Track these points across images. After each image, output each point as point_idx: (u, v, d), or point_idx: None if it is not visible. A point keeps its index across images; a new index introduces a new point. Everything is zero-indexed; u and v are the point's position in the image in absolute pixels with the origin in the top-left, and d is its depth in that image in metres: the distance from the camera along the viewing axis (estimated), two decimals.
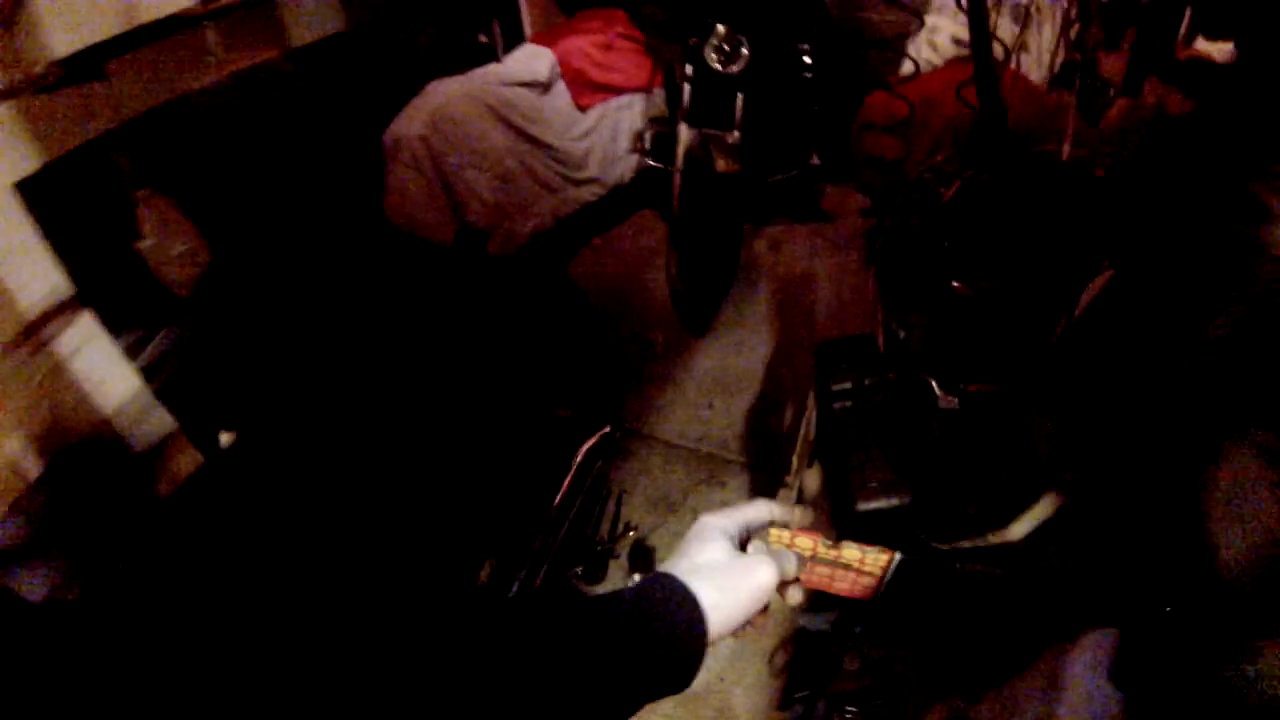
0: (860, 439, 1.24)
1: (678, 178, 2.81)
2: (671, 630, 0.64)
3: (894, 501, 1.13)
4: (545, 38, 3.57)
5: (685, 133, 2.84)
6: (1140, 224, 1.18)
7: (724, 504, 0.92)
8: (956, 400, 1.26)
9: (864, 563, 0.91)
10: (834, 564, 0.92)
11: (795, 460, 1.35)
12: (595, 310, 2.96)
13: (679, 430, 2.59)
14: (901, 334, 1.65)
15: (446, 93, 3.11)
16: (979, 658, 1.11)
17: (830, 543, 0.90)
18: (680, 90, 2.95)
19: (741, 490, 2.30)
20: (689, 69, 2.93)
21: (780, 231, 3.35)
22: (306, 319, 2.73)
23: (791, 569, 0.83)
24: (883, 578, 0.93)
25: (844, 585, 0.94)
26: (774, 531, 0.94)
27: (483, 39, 3.93)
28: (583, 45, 3.50)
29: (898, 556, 1.05)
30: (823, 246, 3.22)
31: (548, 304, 2.84)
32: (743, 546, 0.82)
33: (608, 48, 3.57)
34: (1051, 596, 1.05)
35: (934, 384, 1.30)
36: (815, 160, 3.32)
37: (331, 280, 2.87)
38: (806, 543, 0.91)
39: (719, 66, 2.73)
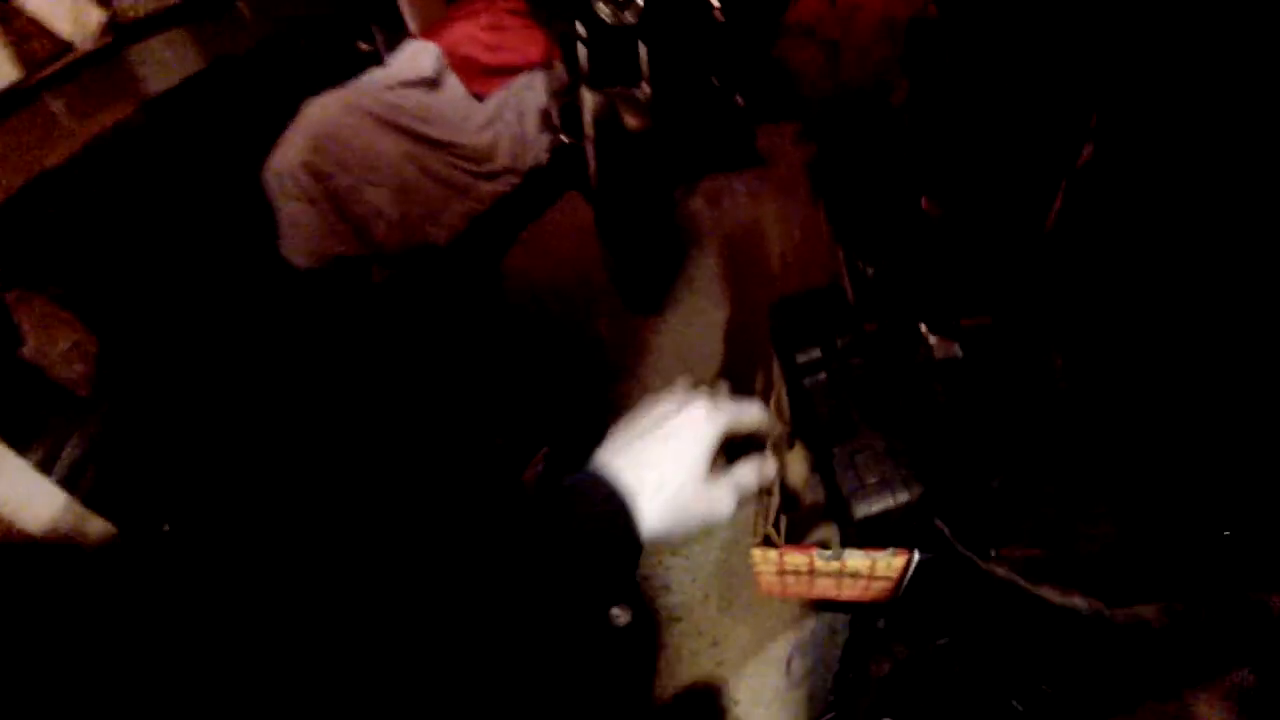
0: (843, 421, 0.96)
1: (590, 148, 2.53)
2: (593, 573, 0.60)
3: (900, 499, 0.87)
4: (430, 32, 3.27)
5: (589, 97, 2.56)
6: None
7: None
8: (957, 345, 1.00)
9: (875, 569, 0.81)
10: (839, 575, 0.82)
11: (771, 453, 1.07)
12: (529, 314, 2.69)
13: None
14: (870, 272, 1.41)
15: (324, 110, 2.80)
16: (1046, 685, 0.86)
17: (829, 554, 0.81)
18: (577, 53, 2.68)
19: None
20: (581, 28, 2.65)
21: (716, 184, 3.07)
22: (219, 385, 2.45)
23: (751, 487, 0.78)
24: (900, 580, 0.84)
25: (854, 592, 0.86)
26: (757, 552, 0.87)
27: (364, 47, 3.62)
28: (469, 30, 3.19)
29: (916, 557, 0.84)
30: (765, 191, 2.94)
31: (471, 320, 2.56)
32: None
33: (496, 28, 3.26)
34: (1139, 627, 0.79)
35: (924, 328, 1.03)
36: (740, 102, 3.05)
37: (237, 339, 2.59)
38: (800, 559, 0.81)
39: (612, 18, 2.45)
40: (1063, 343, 1.13)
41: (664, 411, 0.73)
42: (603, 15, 2.42)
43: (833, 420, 0.98)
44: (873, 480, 0.88)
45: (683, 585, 1.79)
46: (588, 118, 2.53)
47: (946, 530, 0.93)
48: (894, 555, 0.86)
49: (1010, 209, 1.13)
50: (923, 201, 1.35)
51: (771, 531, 0.95)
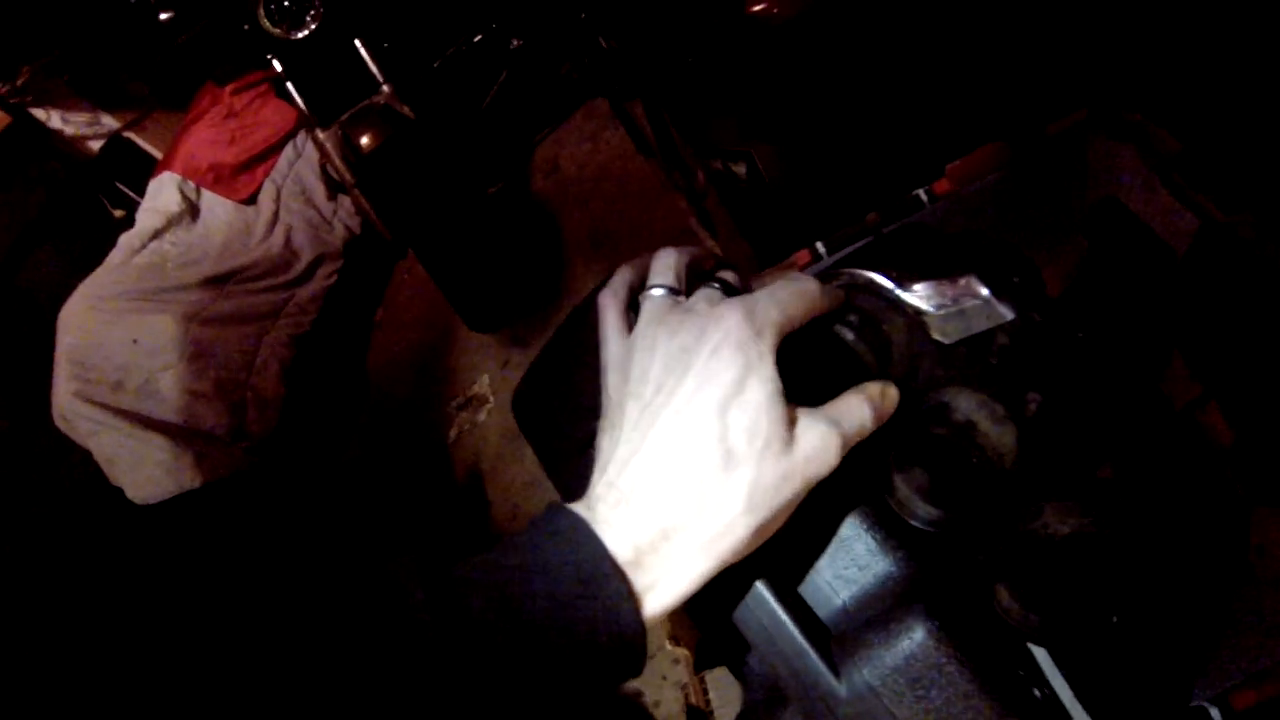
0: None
1: (357, 194, 1.95)
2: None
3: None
4: (165, 158, 2.71)
5: (327, 138, 1.98)
6: None
7: None
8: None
9: None
10: None
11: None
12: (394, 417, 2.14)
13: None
14: (740, 171, 0.89)
15: (72, 320, 2.28)
16: None
17: None
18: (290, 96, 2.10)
19: None
20: (276, 65, 2.06)
21: (548, 148, 2.47)
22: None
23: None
24: None
25: None
26: None
27: (118, 214, 3.08)
28: (203, 136, 2.63)
29: None
30: (604, 127, 2.34)
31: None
32: None
33: (231, 115, 2.69)
34: None
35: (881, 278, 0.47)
36: (516, 42, 2.43)
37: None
38: None
39: (281, 30, 1.86)
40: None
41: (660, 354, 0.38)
42: (271, 29, 1.82)
43: None
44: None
45: None
46: (337, 160, 1.95)
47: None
48: None
49: None
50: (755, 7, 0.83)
51: None
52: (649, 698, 1.53)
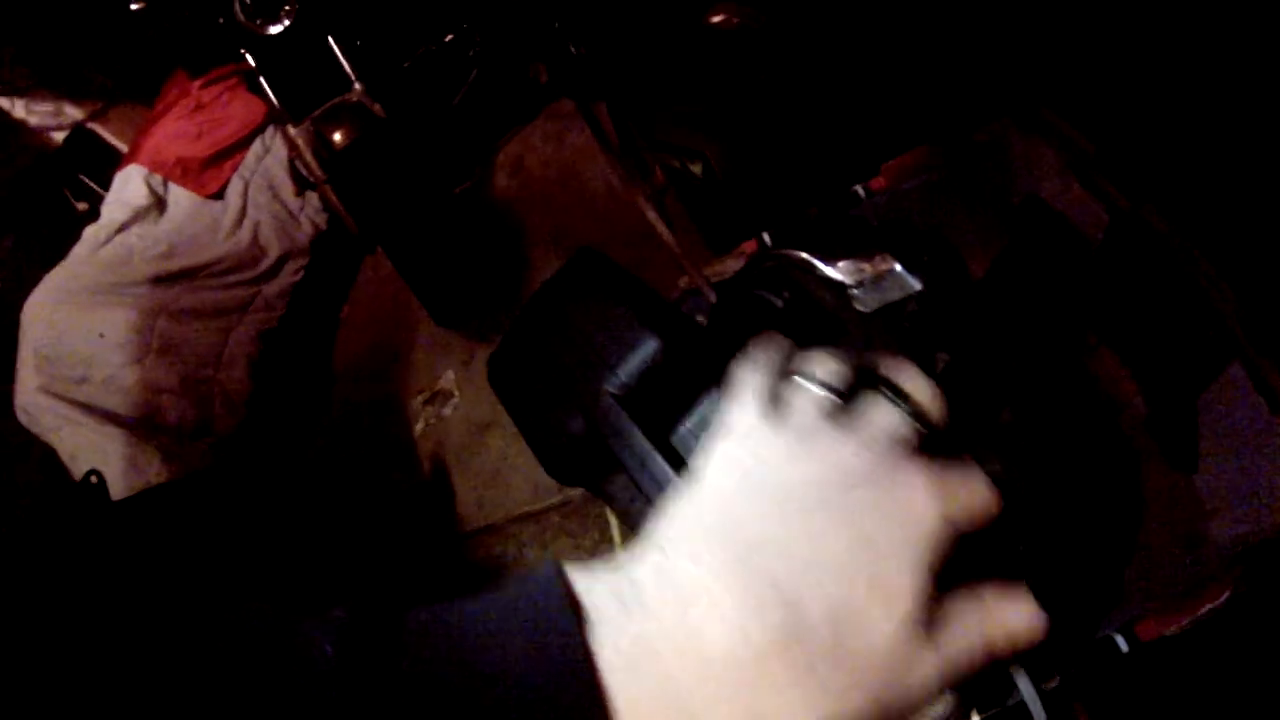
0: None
1: (327, 190, 1.98)
2: None
3: None
4: (131, 150, 2.70)
5: (299, 134, 2.01)
6: None
7: None
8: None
9: None
10: None
11: None
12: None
13: (520, 497, 1.82)
14: (697, 169, 0.96)
15: (37, 313, 2.27)
16: None
17: None
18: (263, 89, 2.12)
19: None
20: (249, 58, 2.09)
21: (514, 147, 2.51)
22: None
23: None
24: None
25: None
26: None
27: (81, 206, 3.06)
28: (171, 127, 2.62)
29: None
30: (562, 127, 2.38)
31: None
32: None
33: (199, 109, 2.68)
34: None
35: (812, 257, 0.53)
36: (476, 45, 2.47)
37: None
38: None
39: (255, 24, 1.89)
40: None
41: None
42: (248, 20, 1.85)
43: None
44: None
45: None
46: (308, 155, 1.98)
47: None
48: None
49: None
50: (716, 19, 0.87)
51: None
52: None
